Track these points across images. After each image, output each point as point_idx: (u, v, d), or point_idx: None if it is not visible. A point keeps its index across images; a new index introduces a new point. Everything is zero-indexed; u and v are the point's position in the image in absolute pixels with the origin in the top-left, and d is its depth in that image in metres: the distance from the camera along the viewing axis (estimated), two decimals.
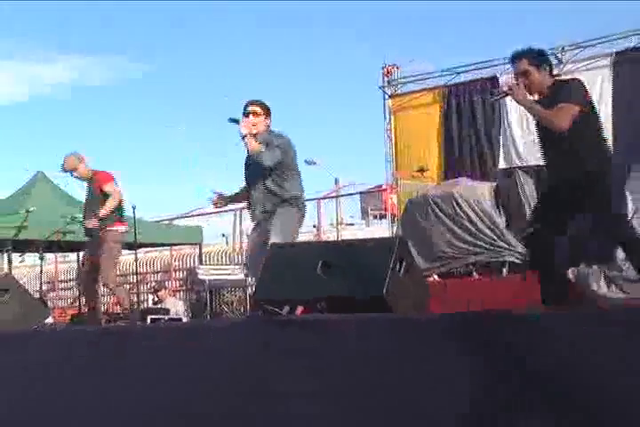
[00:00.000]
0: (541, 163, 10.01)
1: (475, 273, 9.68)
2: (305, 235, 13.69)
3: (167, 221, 16.37)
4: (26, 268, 17.28)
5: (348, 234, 15.46)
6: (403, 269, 4.00)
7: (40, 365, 3.96)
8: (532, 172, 9.85)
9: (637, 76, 9.98)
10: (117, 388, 3.47)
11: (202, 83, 53.22)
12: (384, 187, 13.65)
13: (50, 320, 9.14)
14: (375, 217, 20.61)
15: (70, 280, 17.81)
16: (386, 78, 12.17)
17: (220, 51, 53.50)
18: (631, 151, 8.97)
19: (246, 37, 54.44)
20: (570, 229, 4.84)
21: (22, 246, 11.14)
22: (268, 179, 5.60)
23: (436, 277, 9.70)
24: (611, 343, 2.60)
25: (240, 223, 16.20)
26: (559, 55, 10.18)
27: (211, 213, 17.01)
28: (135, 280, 12.13)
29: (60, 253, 17.04)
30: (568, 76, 6.20)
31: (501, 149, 11.10)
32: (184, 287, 16.45)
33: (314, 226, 15.82)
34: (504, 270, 9.46)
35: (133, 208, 8.12)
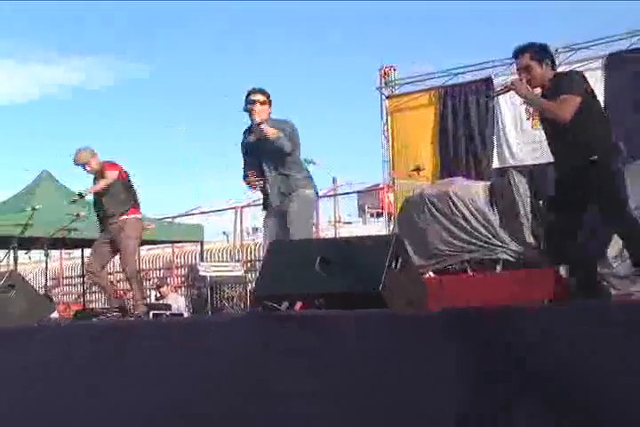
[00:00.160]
0: (534, 162, 10.19)
1: (469, 270, 9.63)
2: None
3: (169, 220, 16.27)
4: (31, 264, 17.21)
5: (345, 232, 15.42)
6: (399, 266, 3.97)
7: (44, 359, 3.89)
8: (526, 171, 9.90)
9: (629, 78, 9.94)
10: (117, 387, 3.38)
11: (202, 83, 53.11)
12: (381, 186, 13.60)
13: (55, 315, 9.13)
14: (372, 215, 20.58)
15: (75, 277, 17.74)
16: (383, 80, 12.13)
17: (220, 51, 53.41)
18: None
19: (246, 38, 54.40)
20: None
21: (28, 244, 11.07)
22: (283, 163, 5.66)
23: (431, 273, 9.67)
24: (611, 343, 2.53)
25: (240, 221, 16.15)
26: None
27: (210, 212, 16.98)
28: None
29: (65, 250, 16.97)
30: None
31: (495, 149, 11.11)
32: (186, 283, 16.39)
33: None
34: (498, 267, 9.42)
35: None
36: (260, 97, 5.65)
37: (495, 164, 11.05)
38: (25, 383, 3.78)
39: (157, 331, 3.79)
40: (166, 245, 16.07)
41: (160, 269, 17.22)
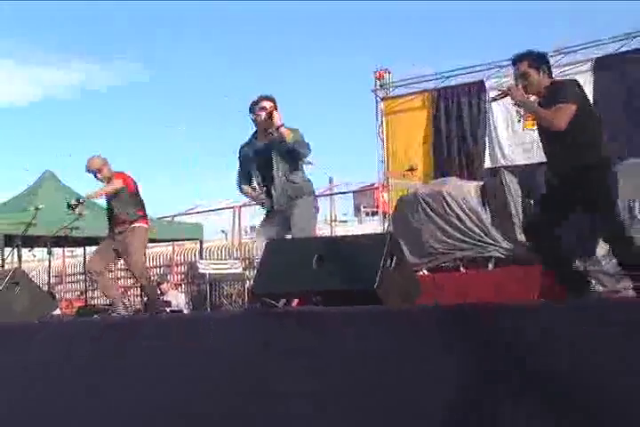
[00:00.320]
0: (525, 162, 10.16)
1: (462, 268, 9.62)
2: None
3: (169, 219, 16.20)
4: (35, 262, 17.13)
5: (341, 230, 15.34)
6: (394, 263, 3.95)
7: (44, 359, 3.82)
8: (517, 171, 9.93)
9: (617, 81, 9.91)
10: (117, 387, 3.29)
11: (202, 83, 52.94)
12: (376, 185, 13.52)
13: (57, 312, 9.08)
14: (367, 214, 20.53)
15: (77, 274, 17.64)
16: (378, 82, 12.07)
17: (220, 51, 53.23)
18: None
19: (245, 38, 54.27)
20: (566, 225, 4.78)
21: (31, 242, 11.02)
22: (290, 168, 5.63)
23: (425, 271, 9.63)
24: (611, 343, 2.46)
25: (239, 220, 16.10)
26: None
27: (209, 211, 16.91)
28: None
29: (68, 249, 16.90)
30: None
31: (487, 150, 11.11)
32: (185, 281, 16.37)
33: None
34: (490, 265, 9.42)
35: None
36: (271, 104, 5.61)
37: (487, 164, 11.05)
38: (25, 383, 3.69)
39: (157, 329, 3.71)
40: (166, 243, 16.00)
41: (160, 267, 17.15)
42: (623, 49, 9.99)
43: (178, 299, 12.88)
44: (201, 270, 13.46)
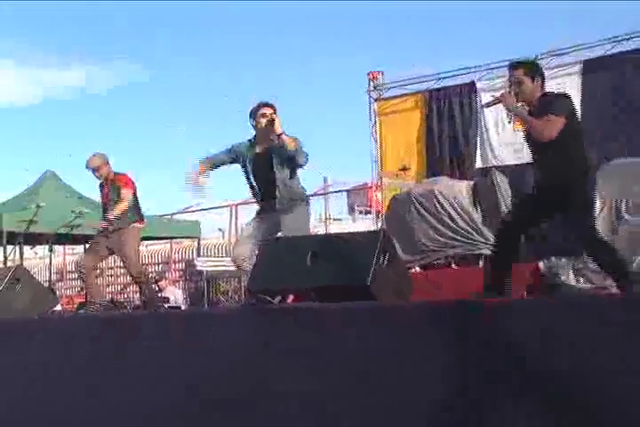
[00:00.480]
0: (515, 162, 10.14)
1: (453, 264, 9.59)
2: None
3: (168, 217, 16.12)
4: (36, 259, 17.04)
5: (335, 229, 15.26)
6: (387, 260, 3.95)
7: (43, 358, 3.74)
8: (507, 171, 9.93)
9: (606, 83, 9.88)
10: (117, 387, 3.21)
11: (202, 83, 52.73)
12: (370, 185, 13.46)
13: (58, 308, 9.05)
14: (361, 213, 20.46)
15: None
16: (372, 83, 12.00)
17: (219, 52, 53.02)
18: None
19: (244, 38, 54.08)
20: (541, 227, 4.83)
21: (33, 240, 10.96)
22: (288, 175, 5.61)
23: (417, 268, 9.60)
24: (611, 343, 2.39)
25: (236, 218, 16.02)
26: None
27: (209, 209, 16.84)
28: None
29: (69, 246, 16.84)
30: None
31: (478, 150, 11.06)
32: (183, 278, 16.31)
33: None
34: (480, 262, 9.38)
35: None
36: (272, 111, 5.56)
37: (478, 164, 11.00)
38: (25, 383, 3.61)
39: (157, 328, 3.62)
40: (165, 240, 15.93)
41: (158, 264, 17.09)
42: (612, 51, 9.94)
43: (176, 295, 12.80)
44: (198, 267, 13.43)
